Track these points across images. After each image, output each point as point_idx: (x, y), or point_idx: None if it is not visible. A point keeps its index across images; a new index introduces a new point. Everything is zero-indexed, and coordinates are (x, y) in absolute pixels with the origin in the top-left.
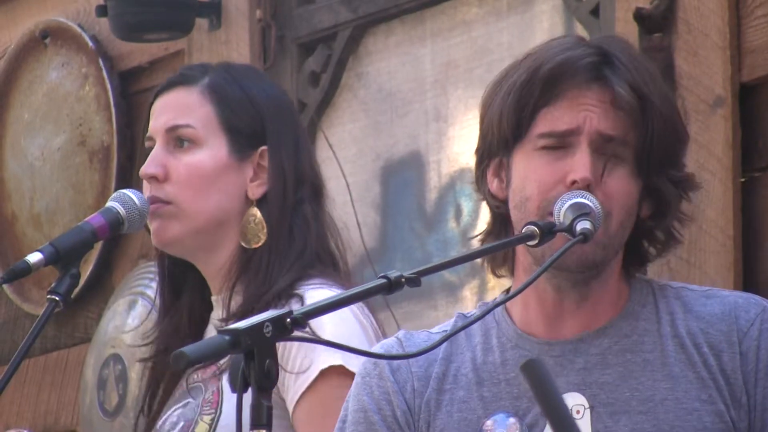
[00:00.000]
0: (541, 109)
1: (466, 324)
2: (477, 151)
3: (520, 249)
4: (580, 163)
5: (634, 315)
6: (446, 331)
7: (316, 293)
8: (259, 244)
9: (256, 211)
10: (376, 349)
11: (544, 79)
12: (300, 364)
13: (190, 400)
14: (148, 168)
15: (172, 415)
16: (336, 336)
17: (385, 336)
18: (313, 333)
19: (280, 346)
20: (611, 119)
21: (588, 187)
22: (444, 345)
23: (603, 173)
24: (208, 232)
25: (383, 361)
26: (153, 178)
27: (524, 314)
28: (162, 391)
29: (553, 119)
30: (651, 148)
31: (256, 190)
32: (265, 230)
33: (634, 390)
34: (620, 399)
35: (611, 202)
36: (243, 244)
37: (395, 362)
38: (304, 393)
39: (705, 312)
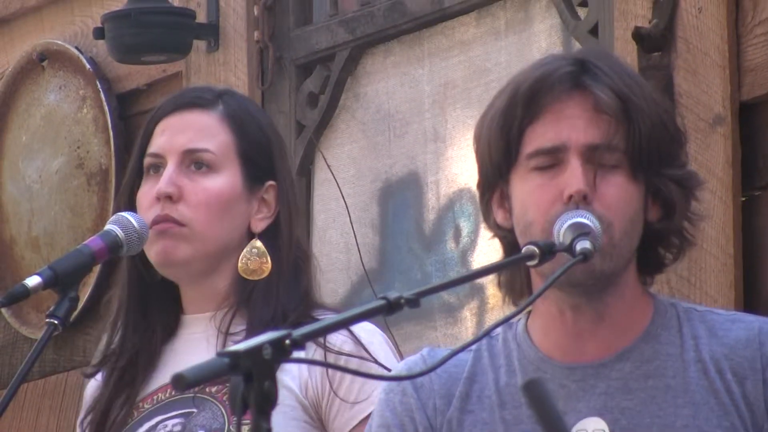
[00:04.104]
0: (526, 128)
1: (471, 341)
2: (478, 185)
3: (536, 277)
4: (572, 176)
5: (657, 338)
6: (471, 350)
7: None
8: (262, 276)
9: (260, 245)
10: (401, 365)
11: (524, 97)
12: (357, 394)
13: (194, 410)
14: (166, 187)
15: (164, 423)
16: (382, 352)
17: (400, 353)
18: (365, 348)
19: (332, 360)
20: (596, 127)
21: (585, 198)
22: (468, 365)
23: (595, 182)
24: (212, 259)
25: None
26: (167, 198)
27: (545, 337)
28: (124, 405)
29: (538, 136)
30: (641, 148)
31: (259, 224)
32: (268, 263)
33: (655, 416)
34: (641, 425)
35: (611, 212)
36: (244, 274)
37: (418, 379)
38: (361, 422)
39: (730, 337)
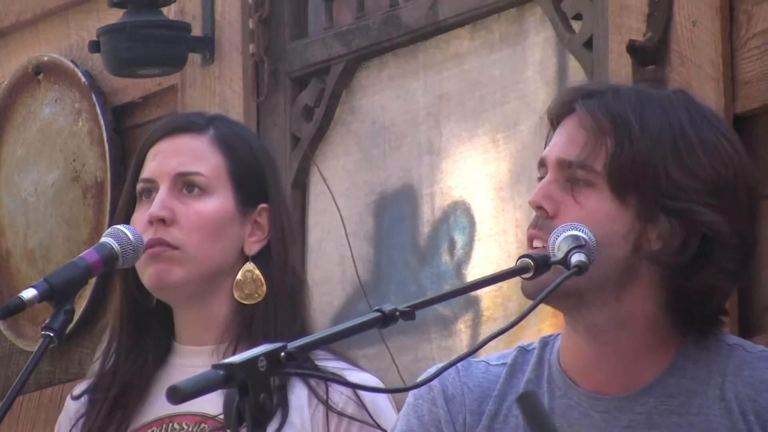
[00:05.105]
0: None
1: (445, 367)
2: None
3: None
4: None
5: (683, 372)
6: (505, 364)
7: (357, 375)
8: (257, 300)
9: (254, 267)
10: (432, 368)
11: (548, 118)
12: None
13: None
14: (159, 211)
15: None
16: (384, 411)
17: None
18: (367, 409)
19: (334, 422)
20: (576, 143)
21: (540, 209)
22: (500, 381)
23: (565, 201)
24: (207, 282)
25: (437, 387)
26: (160, 221)
27: (567, 362)
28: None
29: None
30: (622, 170)
31: (253, 246)
32: (264, 287)
33: None
34: None
35: None
36: (239, 299)
37: (450, 391)
38: None
39: (755, 377)
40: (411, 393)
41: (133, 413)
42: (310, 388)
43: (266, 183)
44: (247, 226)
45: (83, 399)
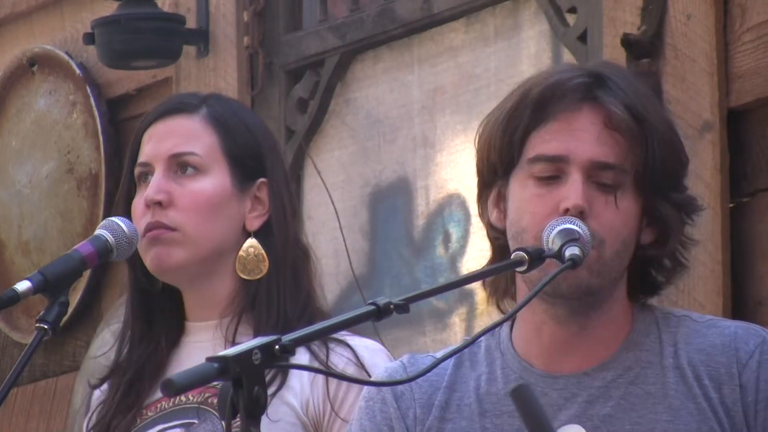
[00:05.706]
0: (530, 132)
1: (456, 350)
2: (477, 183)
3: (521, 280)
4: (572, 190)
5: (638, 345)
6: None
7: (360, 341)
8: (260, 276)
9: (255, 243)
10: (381, 372)
11: (533, 101)
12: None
13: (195, 421)
14: (155, 194)
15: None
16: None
17: None
18: (367, 371)
19: (334, 384)
20: (606, 144)
21: (581, 214)
22: (448, 373)
23: (598, 203)
24: (209, 261)
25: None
26: (157, 204)
27: (527, 346)
28: (128, 414)
29: (543, 142)
30: (652, 171)
31: (254, 222)
32: (266, 262)
33: (635, 423)
34: (621, 431)
35: (605, 230)
36: (242, 275)
37: (398, 388)
38: None
39: (706, 343)
40: (362, 396)
41: (147, 395)
42: (312, 353)
43: (263, 158)
44: (246, 202)
45: (105, 386)
